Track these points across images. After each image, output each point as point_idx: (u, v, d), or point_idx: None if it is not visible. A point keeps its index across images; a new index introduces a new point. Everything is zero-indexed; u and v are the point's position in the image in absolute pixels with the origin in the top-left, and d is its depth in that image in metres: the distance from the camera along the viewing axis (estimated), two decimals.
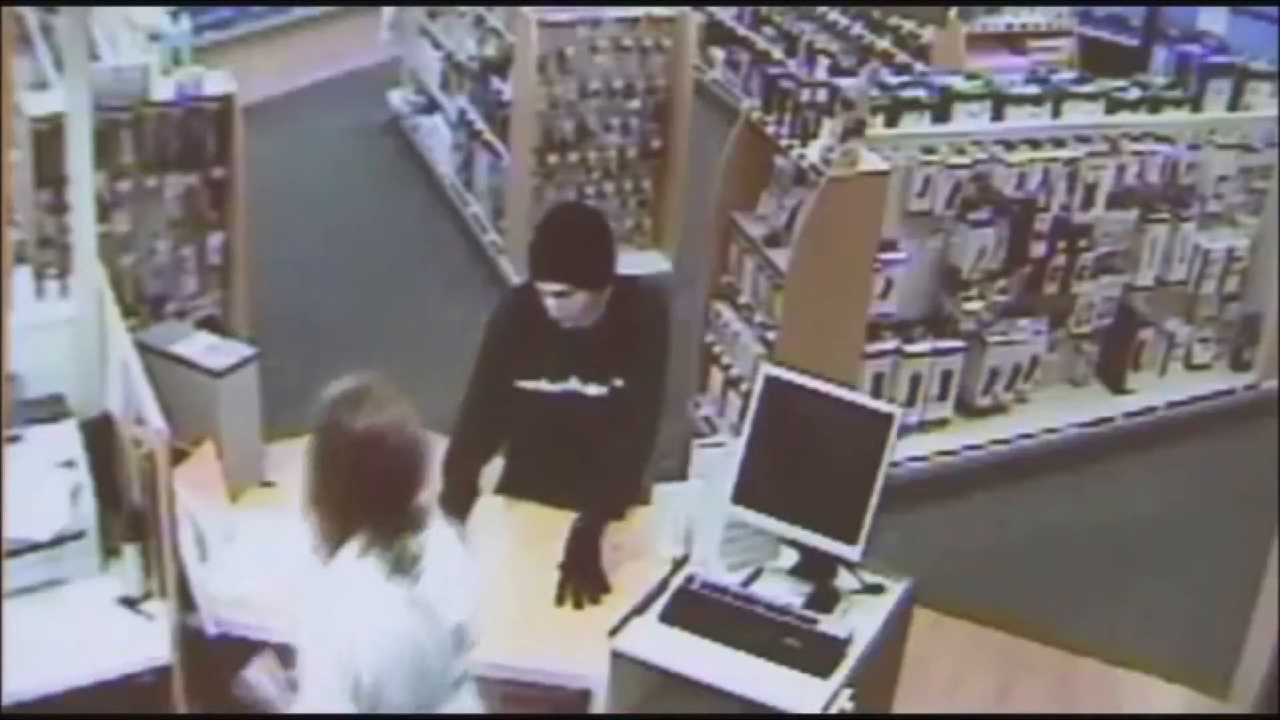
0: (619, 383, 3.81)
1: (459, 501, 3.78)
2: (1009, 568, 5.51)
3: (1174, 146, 6.12)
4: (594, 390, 3.83)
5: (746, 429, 3.66)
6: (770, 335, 5.43)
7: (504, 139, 7.25)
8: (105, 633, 3.42)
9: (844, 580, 3.63)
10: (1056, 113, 5.85)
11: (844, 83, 5.38)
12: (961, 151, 5.71)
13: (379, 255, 7.44)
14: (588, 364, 3.81)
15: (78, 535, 3.51)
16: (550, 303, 3.70)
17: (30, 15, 5.19)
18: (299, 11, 9.28)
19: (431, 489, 3.00)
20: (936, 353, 5.81)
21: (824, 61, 8.28)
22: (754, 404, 3.65)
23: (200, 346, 3.96)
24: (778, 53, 9.00)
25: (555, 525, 3.77)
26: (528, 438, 3.98)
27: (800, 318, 5.27)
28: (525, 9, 6.75)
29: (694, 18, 7.07)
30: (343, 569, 2.87)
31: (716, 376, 5.83)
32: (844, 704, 3.30)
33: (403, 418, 2.86)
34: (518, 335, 3.83)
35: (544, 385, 3.84)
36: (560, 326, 3.75)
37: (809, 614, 3.50)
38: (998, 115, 5.75)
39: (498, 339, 3.87)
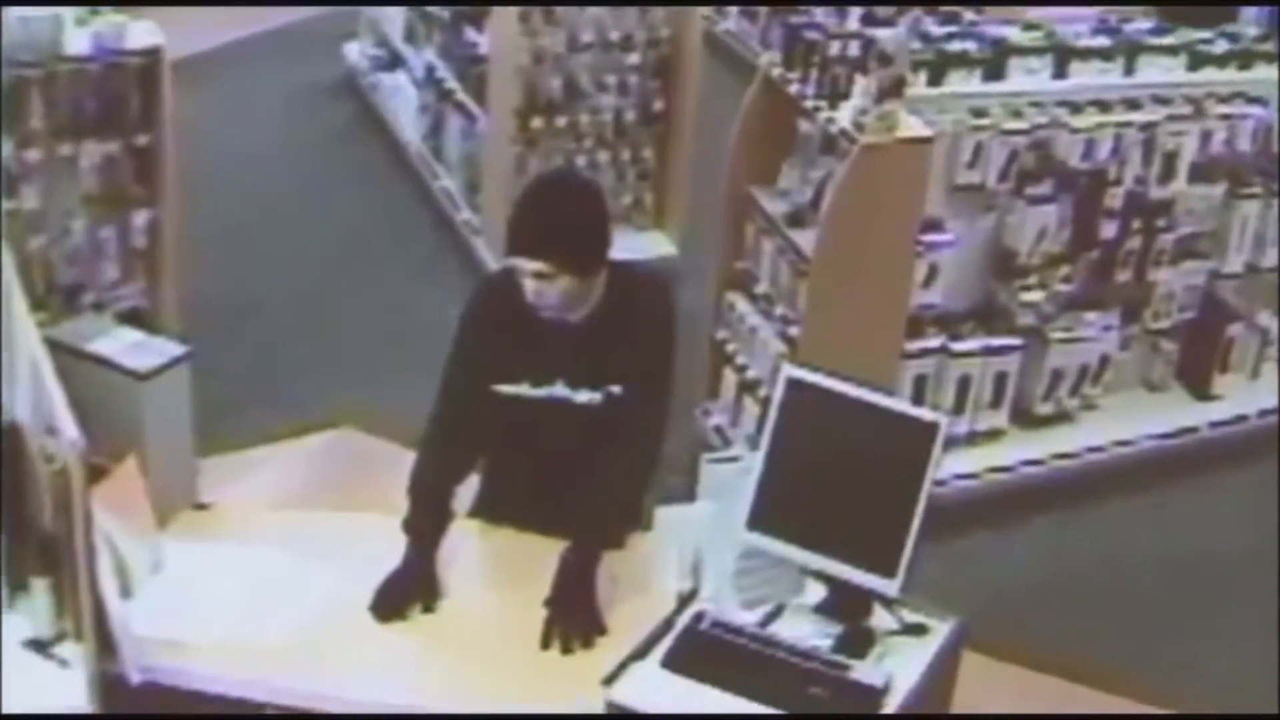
0: (614, 387, 3.81)
1: (428, 527, 3.79)
2: (1072, 604, 5.52)
3: (1267, 109, 6.13)
4: (585, 396, 3.82)
5: (765, 441, 3.66)
6: (793, 331, 5.44)
7: (480, 100, 7.26)
8: (11, 680, 3.40)
9: (880, 619, 3.64)
10: (1130, 69, 5.87)
11: (880, 34, 5.38)
12: (1018, 115, 5.71)
13: (332, 237, 7.44)
14: (578, 365, 3.81)
15: None
16: (528, 285, 3.69)
17: None
18: None
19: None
20: (989, 351, 5.83)
21: (856, 9, 8.26)
22: (774, 412, 3.65)
23: (122, 344, 3.96)
24: None
25: (541, 555, 3.76)
26: (508, 452, 3.98)
27: (828, 310, 5.28)
28: None
29: None
30: None
31: (730, 380, 5.84)
32: None
33: None
34: (496, 331, 3.83)
35: (526, 390, 3.83)
36: (546, 320, 3.74)
37: (838, 659, 3.50)
38: (1061, 72, 5.77)
39: (473, 336, 3.87)
